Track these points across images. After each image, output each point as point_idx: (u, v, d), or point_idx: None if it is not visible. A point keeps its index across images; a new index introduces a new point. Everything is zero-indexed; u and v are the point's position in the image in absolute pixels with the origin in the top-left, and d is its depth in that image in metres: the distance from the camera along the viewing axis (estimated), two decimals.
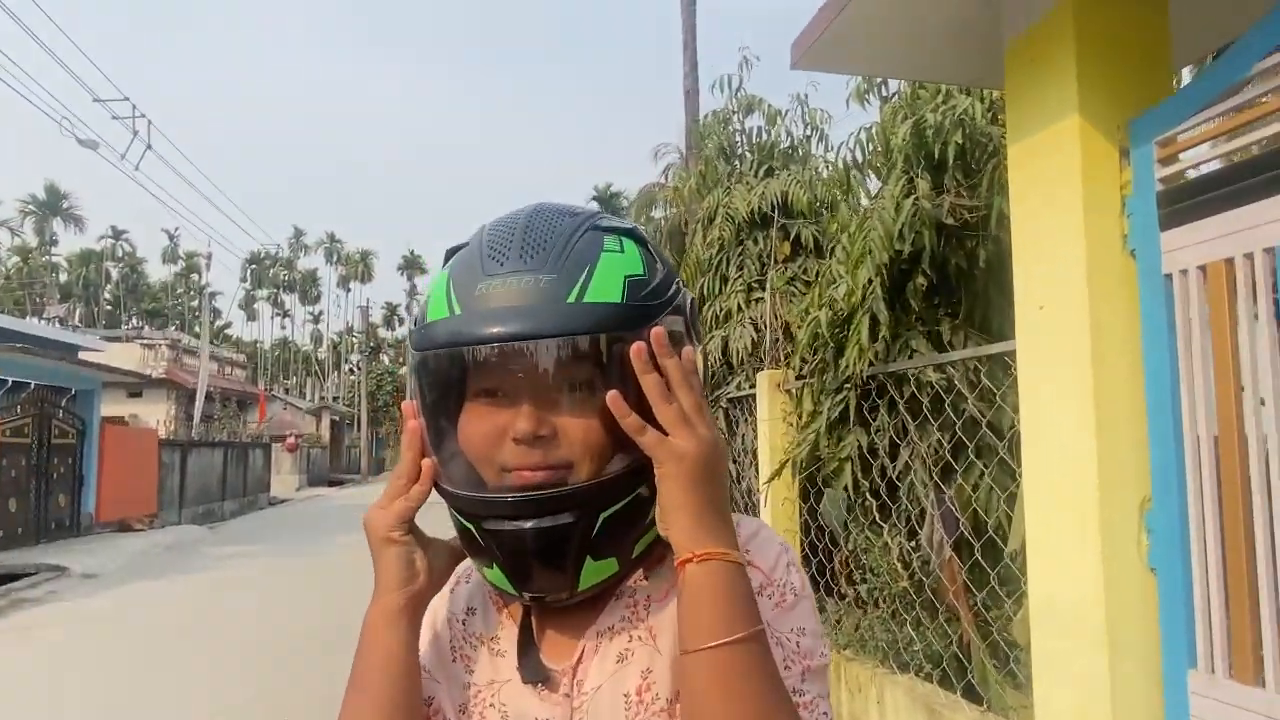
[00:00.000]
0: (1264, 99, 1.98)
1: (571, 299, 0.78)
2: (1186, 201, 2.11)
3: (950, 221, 3.40)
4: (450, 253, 0.90)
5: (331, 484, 39.36)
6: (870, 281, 3.51)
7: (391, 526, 0.84)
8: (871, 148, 3.88)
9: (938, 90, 3.82)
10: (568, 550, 0.80)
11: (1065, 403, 2.35)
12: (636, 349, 0.77)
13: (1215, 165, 2.11)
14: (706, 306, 5.89)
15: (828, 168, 6.04)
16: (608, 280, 0.80)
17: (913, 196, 3.34)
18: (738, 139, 6.31)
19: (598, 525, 0.80)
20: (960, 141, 3.40)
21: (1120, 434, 2.24)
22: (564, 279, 0.79)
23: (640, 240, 0.88)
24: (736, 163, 6.35)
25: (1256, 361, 1.91)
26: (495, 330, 0.77)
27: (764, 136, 6.22)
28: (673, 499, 0.77)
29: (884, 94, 4.13)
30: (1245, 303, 1.94)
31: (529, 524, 0.79)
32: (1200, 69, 3.15)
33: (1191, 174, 2.16)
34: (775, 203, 5.71)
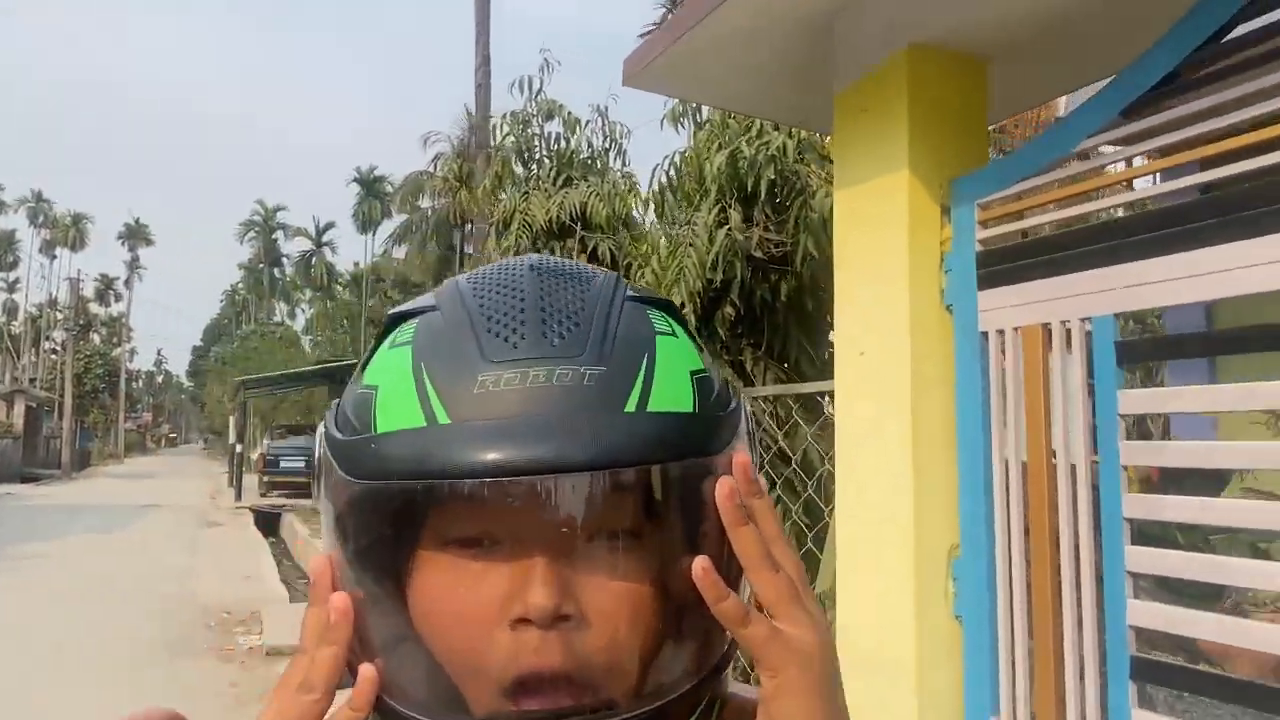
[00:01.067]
0: (1082, 179, 2.10)
1: (631, 406, 0.51)
2: (1005, 264, 2.20)
3: (759, 255, 3.45)
4: (395, 320, 0.60)
5: (25, 480, 34.37)
6: (683, 306, 3.48)
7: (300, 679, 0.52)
8: (686, 172, 3.87)
9: (748, 123, 3.87)
10: None
11: (882, 447, 2.39)
12: (728, 491, 0.51)
13: (1033, 231, 2.23)
14: None
15: (625, 182, 6.02)
16: (674, 379, 0.54)
17: (726, 227, 3.36)
18: (536, 143, 6.13)
19: None
20: (772, 177, 3.45)
21: (933, 482, 2.30)
22: (618, 374, 0.52)
23: (680, 317, 0.62)
24: (534, 167, 6.17)
25: (1069, 425, 2.01)
26: (525, 455, 0.48)
27: (564, 144, 6.09)
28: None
29: (698, 119, 4.15)
30: (1059, 367, 2.04)
31: None
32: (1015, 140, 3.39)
33: (1011, 239, 2.27)
34: (574, 213, 5.59)
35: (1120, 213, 2.12)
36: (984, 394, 2.23)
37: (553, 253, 5.84)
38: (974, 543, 2.22)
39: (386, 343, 0.58)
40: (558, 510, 0.51)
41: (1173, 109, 1.88)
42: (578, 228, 5.52)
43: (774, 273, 3.59)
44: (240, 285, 72.91)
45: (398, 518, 0.53)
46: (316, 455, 0.58)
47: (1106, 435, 1.93)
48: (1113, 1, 2.22)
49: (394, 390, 0.53)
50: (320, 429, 0.59)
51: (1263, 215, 1.65)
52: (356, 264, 52.92)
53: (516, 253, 5.84)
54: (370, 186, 56.23)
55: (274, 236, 69.45)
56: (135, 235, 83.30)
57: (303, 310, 68.52)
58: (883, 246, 2.44)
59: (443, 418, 0.50)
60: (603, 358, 0.52)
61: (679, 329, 0.59)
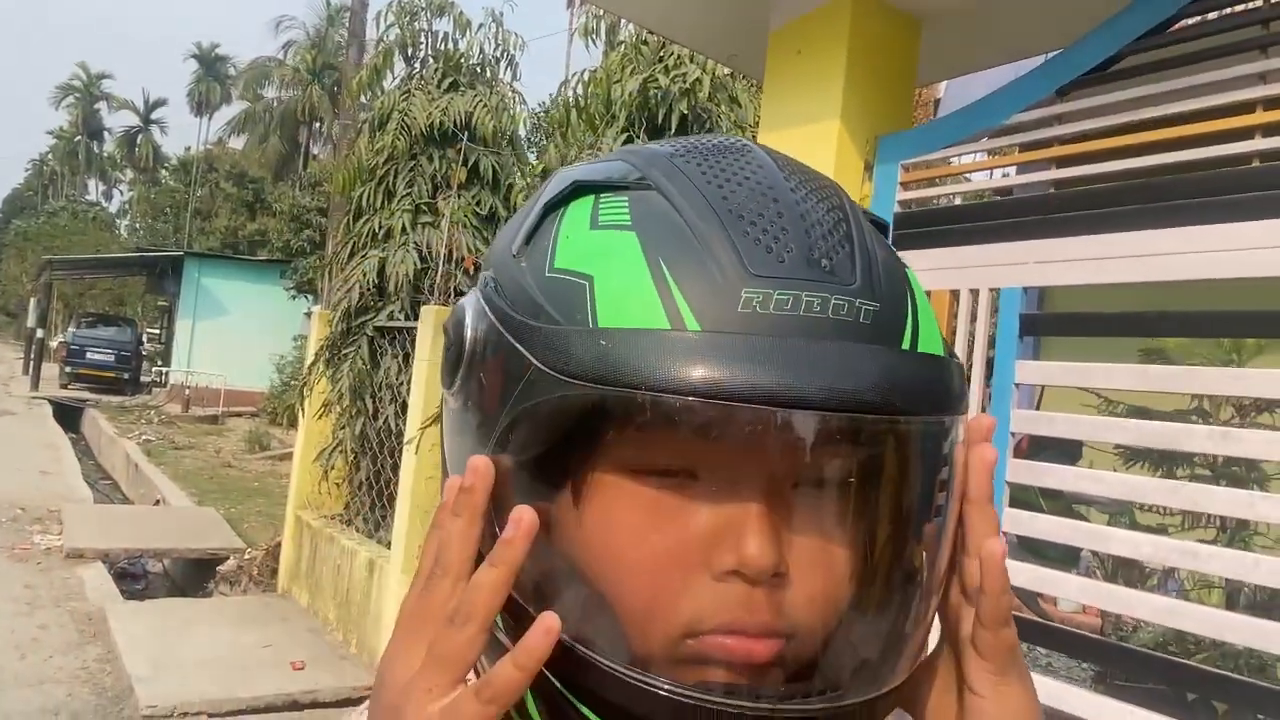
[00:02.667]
0: (1009, 151, 2.15)
1: (906, 344, 0.45)
2: (922, 228, 2.24)
3: None
4: (582, 189, 0.48)
5: None
6: None
7: (487, 601, 0.41)
8: (593, 94, 3.72)
9: (662, 51, 3.75)
10: None
11: None
12: (992, 460, 0.45)
13: (955, 200, 2.27)
14: (364, 221, 5.30)
15: (515, 97, 5.76)
16: (929, 318, 0.48)
17: None
18: (423, 40, 5.73)
19: None
20: (684, 111, 3.37)
21: None
22: (891, 312, 0.45)
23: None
24: (418, 65, 5.78)
25: (970, 385, 2.08)
26: (816, 385, 0.40)
27: (452, 45, 5.72)
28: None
29: (611, 40, 3.98)
30: (964, 332, 2.10)
31: None
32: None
33: (930, 203, 2.31)
34: (458, 121, 5.29)
35: (1039, 190, 2.19)
36: None
37: (430, 161, 5.54)
38: None
39: (582, 219, 0.47)
40: (797, 452, 0.43)
41: (1103, 94, 1.94)
42: (463, 136, 5.24)
43: None
44: (50, 155, 65.63)
45: (596, 432, 0.43)
46: (469, 333, 0.47)
47: (1000, 402, 2.00)
48: None
49: (622, 282, 0.43)
50: (475, 301, 0.49)
51: (1183, 206, 1.73)
52: (188, 148, 48.74)
53: (391, 156, 5.48)
54: (211, 65, 51.68)
55: (95, 107, 62.74)
56: None
57: (121, 192, 62.76)
58: None
59: (698, 325, 0.41)
60: (875, 291, 0.44)
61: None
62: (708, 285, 0.42)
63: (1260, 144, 1.67)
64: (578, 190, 0.49)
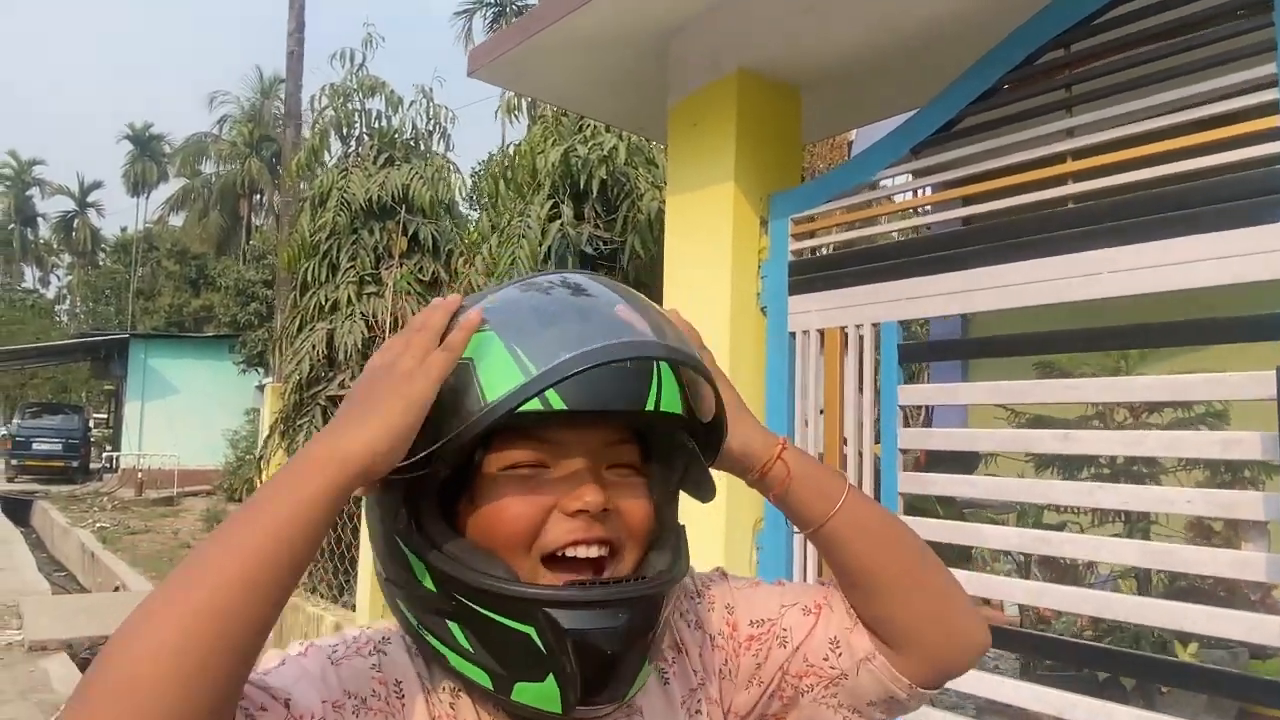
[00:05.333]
0: (879, 203, 2.45)
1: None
2: (812, 274, 2.52)
3: (589, 250, 3.64)
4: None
5: None
6: None
7: (430, 382, 0.68)
8: (519, 164, 3.99)
9: (581, 122, 4.05)
10: (643, 652, 0.72)
11: None
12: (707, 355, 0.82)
13: (838, 246, 2.56)
14: (310, 295, 5.49)
15: (448, 167, 6.03)
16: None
17: (559, 220, 3.52)
18: (357, 119, 5.99)
19: (664, 615, 0.75)
20: (604, 177, 3.65)
21: None
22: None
23: None
24: (354, 144, 6.03)
25: (862, 416, 2.35)
26: (603, 402, 0.71)
27: (385, 123, 5.99)
28: (739, 403, 0.83)
29: (532, 114, 4.27)
30: (853, 364, 2.38)
31: (618, 620, 0.69)
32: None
33: (818, 251, 2.60)
34: (396, 194, 5.54)
35: (907, 235, 2.50)
36: (789, 386, 2.54)
37: (371, 233, 5.76)
38: (774, 516, 2.53)
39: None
40: (600, 441, 0.75)
41: (948, 151, 2.25)
42: (401, 209, 5.48)
43: (603, 268, 3.80)
44: None
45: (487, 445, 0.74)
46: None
47: (887, 422, 2.28)
48: (903, 51, 2.59)
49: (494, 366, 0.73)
50: None
51: (1011, 245, 2.03)
52: (123, 229, 48.18)
53: (333, 231, 5.70)
54: (145, 145, 51.30)
55: (28, 194, 61.85)
56: None
57: (58, 277, 61.59)
58: (708, 252, 2.70)
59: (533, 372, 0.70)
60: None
61: None
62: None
63: (1073, 188, 1.99)
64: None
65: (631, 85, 2.99)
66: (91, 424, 24.46)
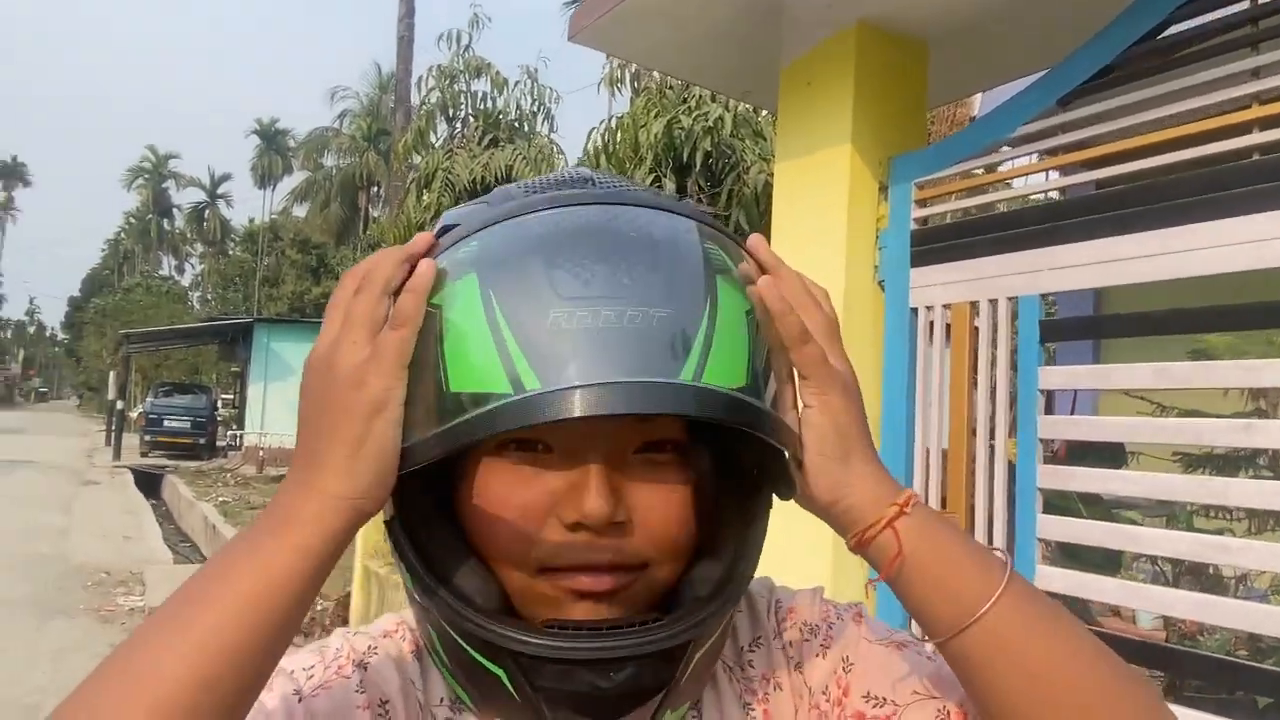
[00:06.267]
0: (1015, 163, 2.19)
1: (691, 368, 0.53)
2: (938, 243, 2.28)
3: None
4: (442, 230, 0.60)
5: None
6: None
7: (390, 377, 0.50)
8: (621, 139, 3.86)
9: (685, 94, 3.88)
10: (652, 706, 0.55)
11: None
12: (767, 286, 0.54)
13: (967, 213, 2.31)
14: None
15: (551, 147, 5.95)
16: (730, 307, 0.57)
17: None
18: (462, 101, 5.98)
19: (692, 665, 0.56)
20: (708, 149, 3.48)
21: None
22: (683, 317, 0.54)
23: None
24: (459, 126, 6.03)
25: (995, 402, 2.10)
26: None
27: (490, 104, 5.96)
28: (849, 430, 0.56)
29: (635, 86, 4.13)
30: (985, 343, 2.13)
31: (611, 681, 0.52)
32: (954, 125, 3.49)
33: (946, 219, 2.35)
34: (500, 175, 5.50)
35: (1048, 198, 2.23)
36: (909, 373, 2.30)
37: None
38: None
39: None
40: (615, 426, 0.54)
41: (1104, 101, 1.98)
42: None
43: None
44: (124, 235, 68.86)
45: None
46: None
47: (1026, 409, 2.03)
48: None
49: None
50: None
51: (1192, 205, 1.75)
52: (252, 220, 50.67)
53: (437, 212, 5.71)
54: (271, 139, 53.82)
55: (164, 185, 65.77)
56: (11, 174, 77.56)
57: (192, 265, 65.38)
58: (821, 221, 2.49)
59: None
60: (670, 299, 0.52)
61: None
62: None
63: (1258, 138, 1.70)
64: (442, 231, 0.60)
65: (740, 46, 2.79)
66: (219, 404, 25.77)
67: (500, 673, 0.54)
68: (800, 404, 0.57)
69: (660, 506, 0.56)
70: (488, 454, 0.56)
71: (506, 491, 0.55)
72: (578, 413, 0.48)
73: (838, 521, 0.57)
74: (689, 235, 0.56)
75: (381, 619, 0.65)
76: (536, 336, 0.49)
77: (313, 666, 0.58)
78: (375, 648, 0.61)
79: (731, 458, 0.62)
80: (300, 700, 0.55)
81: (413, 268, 0.53)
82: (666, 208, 0.58)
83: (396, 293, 0.52)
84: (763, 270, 0.57)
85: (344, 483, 0.49)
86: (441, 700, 0.61)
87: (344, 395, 0.50)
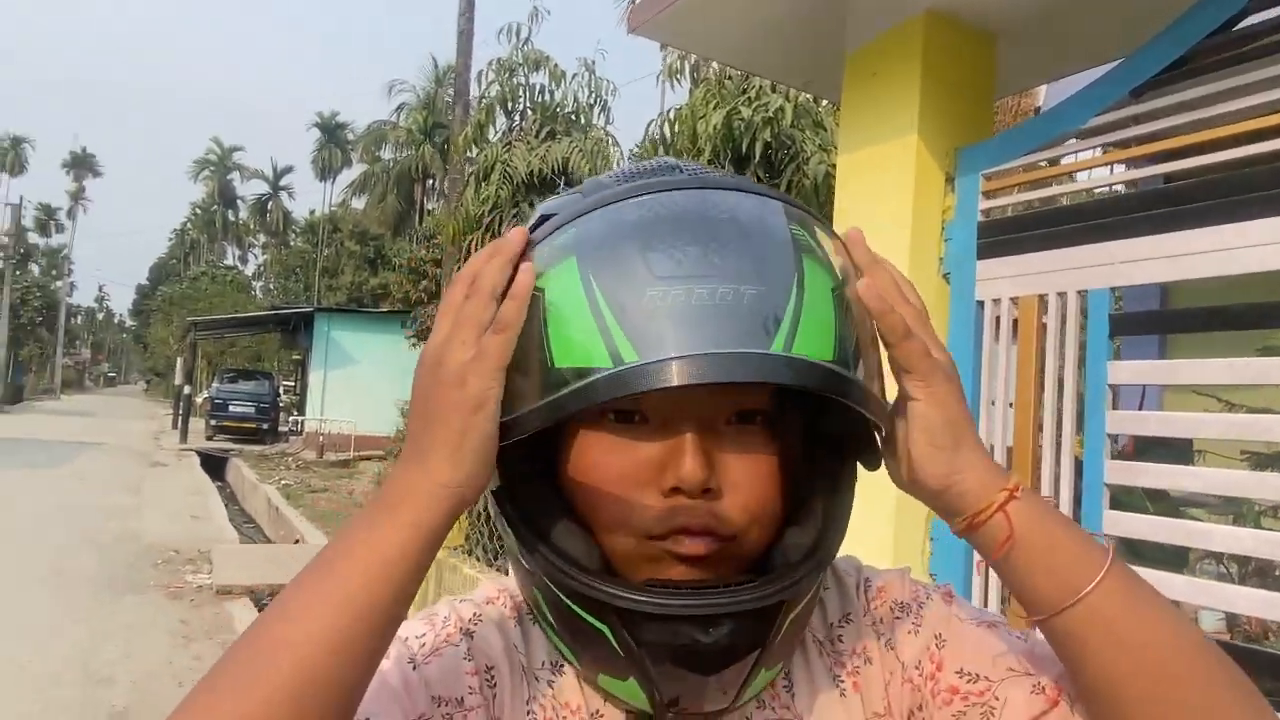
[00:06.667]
0: (1078, 156, 2.16)
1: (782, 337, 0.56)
2: (1006, 235, 2.26)
3: None
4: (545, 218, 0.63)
5: None
6: None
7: (489, 378, 0.53)
8: (680, 130, 3.88)
9: (744, 84, 3.87)
10: (748, 662, 0.58)
11: None
12: (867, 286, 0.57)
13: (1035, 204, 2.29)
14: None
15: (608, 139, 5.99)
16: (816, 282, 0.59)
17: None
18: (521, 94, 6.05)
19: (785, 627, 0.60)
20: (768, 139, 3.48)
21: None
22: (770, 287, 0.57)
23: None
24: (518, 118, 6.10)
25: (1062, 398, 2.08)
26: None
27: (548, 97, 6.02)
28: (957, 419, 0.58)
29: (695, 77, 4.15)
30: (1054, 337, 2.11)
31: (710, 636, 0.56)
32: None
33: (1014, 210, 2.33)
34: (556, 167, 5.56)
35: (1120, 190, 2.19)
36: (974, 367, 2.29)
37: (532, 207, 5.78)
38: None
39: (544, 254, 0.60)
40: (709, 396, 0.58)
41: (1179, 92, 1.94)
42: (561, 182, 5.49)
43: None
44: (190, 225, 70.85)
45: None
46: None
47: (1094, 404, 2.00)
48: None
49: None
50: None
51: (1263, 199, 1.72)
52: (312, 211, 51.75)
53: (495, 204, 5.79)
54: (332, 133, 54.82)
55: (229, 177, 67.52)
56: (81, 165, 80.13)
57: (255, 255, 66.98)
58: (885, 213, 2.48)
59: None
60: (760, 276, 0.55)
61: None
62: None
63: None
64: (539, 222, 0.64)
65: (802, 36, 2.79)
66: (280, 390, 26.42)
67: (604, 629, 0.58)
68: (907, 397, 0.59)
69: (750, 475, 0.59)
70: (586, 426, 0.60)
71: (606, 460, 0.59)
72: (675, 382, 0.51)
73: (947, 506, 0.60)
74: (775, 217, 0.59)
75: (482, 586, 0.70)
76: (634, 314, 0.53)
77: (424, 634, 0.63)
78: (480, 615, 0.66)
79: (817, 430, 0.65)
80: (415, 668, 0.60)
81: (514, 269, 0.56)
82: (753, 190, 0.61)
83: (502, 295, 0.55)
84: (856, 267, 0.60)
85: (447, 471, 0.54)
86: (543, 664, 0.65)
87: (448, 393, 0.54)
